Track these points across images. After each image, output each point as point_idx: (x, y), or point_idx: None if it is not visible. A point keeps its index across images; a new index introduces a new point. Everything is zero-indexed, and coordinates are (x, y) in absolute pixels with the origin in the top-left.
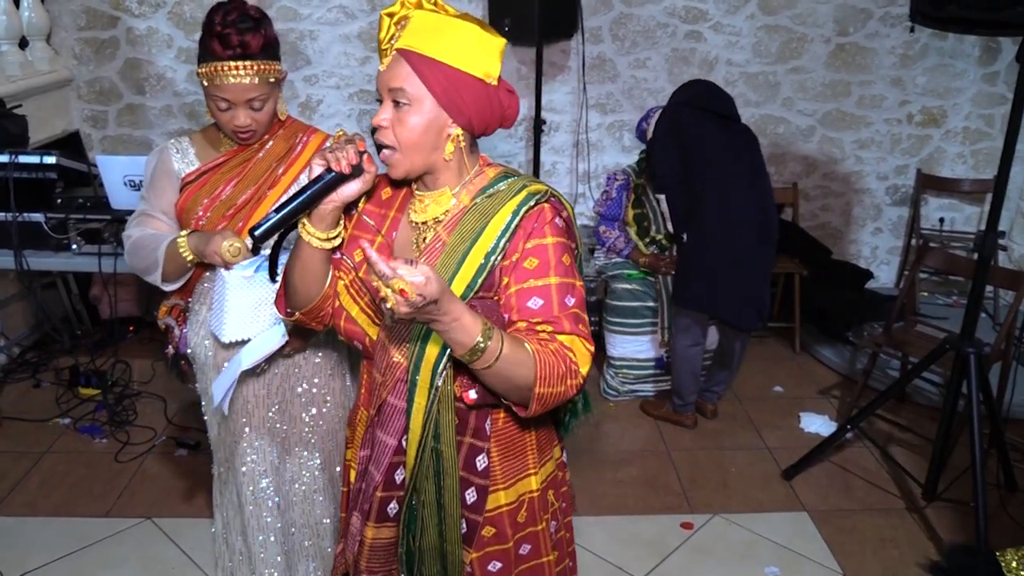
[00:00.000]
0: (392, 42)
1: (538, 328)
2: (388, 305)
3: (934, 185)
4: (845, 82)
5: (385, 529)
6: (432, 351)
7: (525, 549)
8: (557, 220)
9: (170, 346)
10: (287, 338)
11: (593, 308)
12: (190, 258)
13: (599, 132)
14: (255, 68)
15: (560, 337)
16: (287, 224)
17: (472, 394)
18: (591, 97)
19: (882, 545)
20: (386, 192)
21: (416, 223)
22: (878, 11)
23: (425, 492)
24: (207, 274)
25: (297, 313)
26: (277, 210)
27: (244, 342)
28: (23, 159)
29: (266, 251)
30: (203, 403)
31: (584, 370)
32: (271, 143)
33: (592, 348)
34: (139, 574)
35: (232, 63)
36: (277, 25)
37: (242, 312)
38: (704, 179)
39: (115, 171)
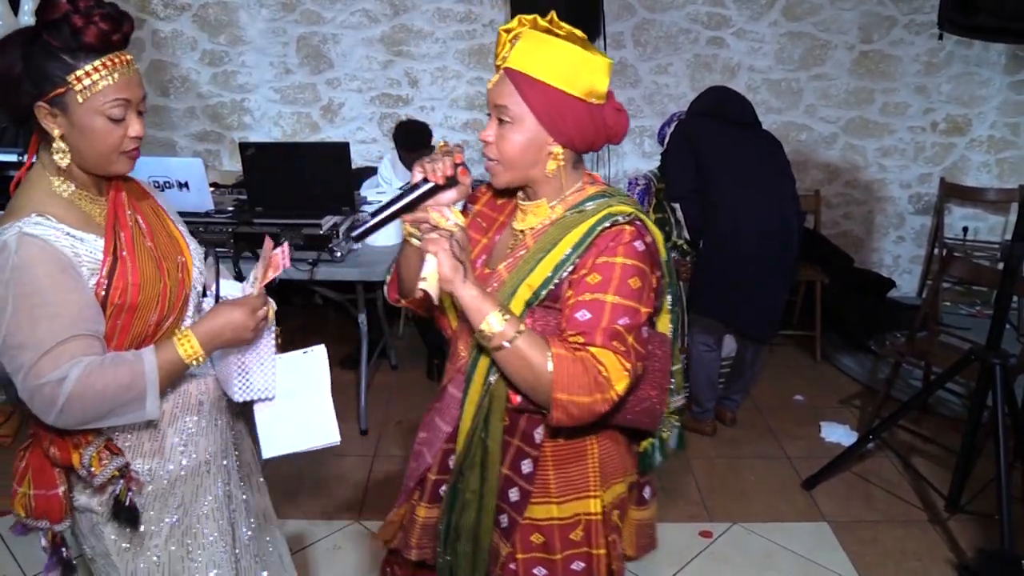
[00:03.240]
0: (504, 58)
1: (570, 339)
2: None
3: (958, 194)
4: (868, 89)
5: (436, 510)
6: None
7: (578, 566)
8: (637, 243)
9: (132, 492)
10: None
11: None
12: (200, 360)
13: None
14: (132, 60)
15: (592, 349)
16: (382, 227)
17: (518, 397)
18: None
19: (904, 557)
20: (500, 198)
21: (516, 230)
22: (903, 18)
23: (469, 479)
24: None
25: (403, 300)
26: (374, 215)
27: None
28: None
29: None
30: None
31: (619, 387)
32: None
33: (630, 367)
34: None
35: (120, 55)
36: (300, 28)
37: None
38: (721, 188)
39: (139, 171)
